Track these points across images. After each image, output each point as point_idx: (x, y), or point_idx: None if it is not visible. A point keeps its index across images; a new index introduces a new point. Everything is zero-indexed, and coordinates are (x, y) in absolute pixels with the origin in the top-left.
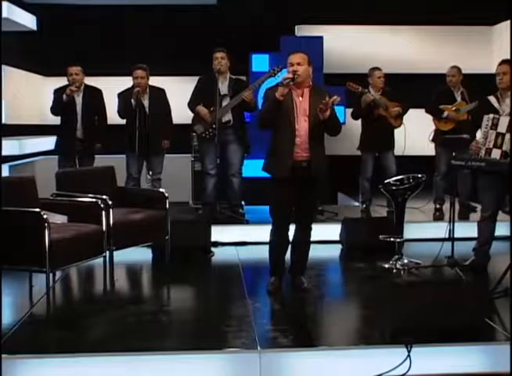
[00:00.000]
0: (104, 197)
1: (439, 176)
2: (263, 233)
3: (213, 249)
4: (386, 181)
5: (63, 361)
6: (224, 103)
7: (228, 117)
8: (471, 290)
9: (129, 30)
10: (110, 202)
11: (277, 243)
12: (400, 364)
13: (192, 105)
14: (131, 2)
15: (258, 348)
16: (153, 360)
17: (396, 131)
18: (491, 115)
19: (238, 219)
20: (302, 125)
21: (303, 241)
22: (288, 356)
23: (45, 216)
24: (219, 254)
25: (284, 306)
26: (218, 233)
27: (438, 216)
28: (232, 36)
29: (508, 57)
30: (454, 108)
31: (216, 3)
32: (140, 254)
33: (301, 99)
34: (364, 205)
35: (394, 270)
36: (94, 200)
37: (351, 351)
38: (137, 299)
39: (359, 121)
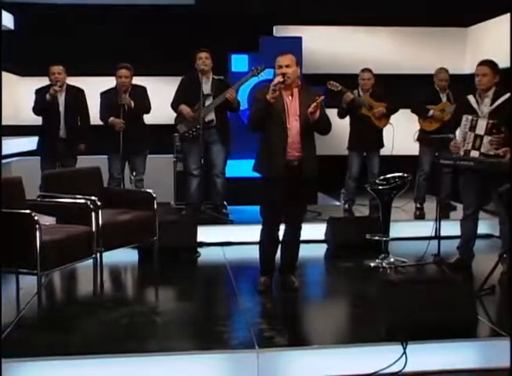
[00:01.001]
0: (93, 197)
1: (422, 176)
2: (248, 233)
3: (199, 249)
4: (372, 180)
5: (58, 364)
6: (207, 103)
7: (211, 116)
8: (460, 287)
9: (108, 30)
10: (99, 203)
11: (267, 242)
12: (396, 361)
13: (175, 105)
14: (110, 2)
15: (256, 347)
16: (149, 361)
17: (384, 131)
18: (470, 117)
19: (222, 220)
20: (293, 125)
21: (293, 241)
22: (286, 355)
23: (36, 217)
24: (205, 255)
25: (277, 306)
26: (203, 233)
27: (419, 215)
28: (210, 36)
29: (482, 58)
30: (440, 108)
31: (194, 3)
32: (126, 256)
33: (290, 98)
34: (347, 205)
35: (381, 269)
36: (83, 201)
37: (348, 349)
38: (128, 301)
39: (342, 122)
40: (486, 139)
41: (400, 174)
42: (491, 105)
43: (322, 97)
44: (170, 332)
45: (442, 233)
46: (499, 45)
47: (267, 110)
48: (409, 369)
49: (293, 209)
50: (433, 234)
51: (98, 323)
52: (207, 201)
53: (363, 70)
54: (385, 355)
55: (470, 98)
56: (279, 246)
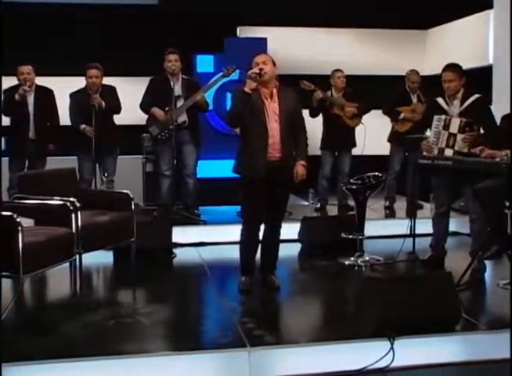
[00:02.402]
0: (72, 199)
1: (392, 175)
2: (221, 233)
3: (173, 250)
4: (344, 180)
5: (47, 368)
6: (179, 104)
7: (183, 117)
8: (444, 284)
9: (76, 30)
10: (79, 204)
11: (248, 243)
12: (383, 356)
13: (145, 106)
14: (77, 1)
15: (247, 346)
16: (138, 363)
17: (356, 130)
18: (443, 116)
19: (195, 220)
20: (273, 126)
21: (273, 240)
22: (276, 353)
23: (18, 219)
24: (181, 256)
25: (261, 305)
26: (176, 234)
27: (389, 214)
28: (175, 36)
29: (442, 59)
30: (411, 109)
31: (157, 3)
32: (101, 257)
33: (269, 99)
34: (319, 204)
35: (356, 267)
36: (62, 202)
37: (337, 345)
38: (111, 302)
39: (314, 122)
40: (460, 137)
41: (375, 173)
42: (460, 106)
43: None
44: (157, 333)
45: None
46: (459, 46)
47: (246, 103)
48: (396, 364)
49: (274, 209)
50: (404, 232)
51: (81, 325)
52: (178, 202)
53: (337, 70)
54: (373, 350)
55: (439, 100)
56: (259, 246)
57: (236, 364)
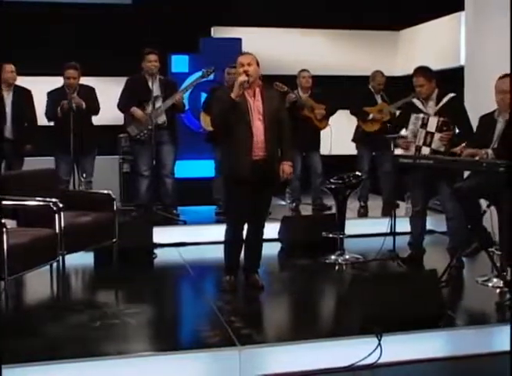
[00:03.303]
0: (54, 199)
1: (364, 175)
2: (201, 233)
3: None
4: (317, 180)
5: (35, 370)
6: (157, 104)
7: (163, 118)
8: (429, 281)
9: (52, 30)
10: (61, 205)
11: (233, 242)
12: (371, 353)
13: (124, 106)
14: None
15: (238, 345)
16: (130, 363)
17: (323, 131)
18: (421, 114)
19: (174, 220)
20: (257, 125)
21: (257, 240)
22: (266, 352)
23: (3, 221)
24: (162, 256)
25: (247, 304)
26: (156, 234)
27: (363, 213)
28: (150, 36)
29: (413, 60)
30: (378, 109)
31: (131, 2)
32: (81, 259)
33: (253, 98)
34: (294, 204)
35: (337, 266)
36: (45, 203)
37: (326, 343)
38: (96, 303)
39: None
40: (437, 136)
41: (355, 173)
42: (436, 105)
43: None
44: (145, 333)
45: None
46: (431, 48)
47: (233, 108)
48: (383, 360)
49: (259, 209)
50: (380, 231)
51: (68, 326)
52: (157, 202)
53: (303, 70)
54: (361, 347)
55: (415, 101)
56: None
57: (226, 363)
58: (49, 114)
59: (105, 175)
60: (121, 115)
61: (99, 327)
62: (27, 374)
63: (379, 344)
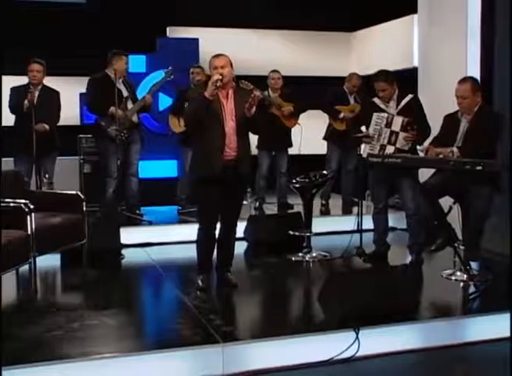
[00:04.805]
0: (23, 201)
1: (329, 173)
2: (166, 233)
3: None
4: (282, 179)
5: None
6: (128, 104)
7: (135, 117)
8: (396, 275)
9: (11, 28)
10: (32, 206)
11: (205, 242)
12: (349, 346)
13: (100, 107)
14: None
15: (220, 342)
16: (116, 363)
17: (293, 130)
18: (385, 114)
19: (138, 221)
20: (230, 125)
21: (229, 239)
22: (249, 347)
23: None
24: (130, 257)
25: (223, 302)
26: (121, 235)
27: (325, 211)
28: (104, 36)
29: (367, 61)
30: (350, 109)
31: (85, 1)
32: (47, 260)
33: (226, 100)
34: (258, 203)
35: (304, 263)
36: (17, 204)
37: (305, 338)
38: (70, 305)
39: None
40: (401, 135)
41: (321, 171)
42: (397, 106)
43: (258, 93)
44: (126, 333)
45: (353, 228)
46: (384, 49)
47: (207, 107)
48: (361, 353)
49: (232, 208)
50: (342, 229)
51: (45, 328)
52: (121, 202)
53: (273, 71)
54: (339, 341)
55: (377, 100)
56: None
57: (208, 360)
58: (13, 109)
59: (63, 176)
60: (76, 115)
61: (78, 328)
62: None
63: (357, 337)
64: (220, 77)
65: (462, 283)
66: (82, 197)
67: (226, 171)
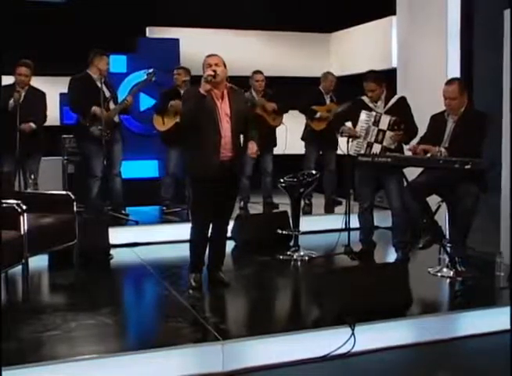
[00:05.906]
0: (14, 201)
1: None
2: (152, 233)
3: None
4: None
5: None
6: (110, 105)
7: (117, 118)
8: (390, 272)
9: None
10: (25, 207)
11: (198, 241)
12: (345, 342)
13: (83, 107)
14: None
15: (220, 339)
16: (117, 361)
17: (278, 130)
18: (373, 112)
19: (124, 221)
20: (225, 126)
21: (221, 238)
22: (248, 344)
23: None
24: (119, 257)
25: (218, 301)
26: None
27: (307, 211)
28: (84, 35)
29: (344, 61)
30: (326, 109)
31: (64, 0)
32: (36, 261)
33: (221, 100)
34: (242, 202)
35: (293, 261)
36: (10, 205)
37: (302, 334)
38: (65, 305)
39: None
40: (388, 134)
41: (309, 171)
42: (385, 105)
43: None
44: (125, 332)
45: (340, 226)
46: (363, 50)
47: (201, 104)
48: (357, 348)
49: (225, 208)
50: (327, 227)
51: (43, 328)
52: (106, 202)
53: (256, 72)
54: (335, 337)
55: (365, 98)
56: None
57: (208, 358)
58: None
59: (46, 176)
60: (56, 115)
61: (76, 327)
62: None
63: (352, 333)
64: (212, 73)
65: (448, 280)
66: (73, 197)
67: (222, 171)
